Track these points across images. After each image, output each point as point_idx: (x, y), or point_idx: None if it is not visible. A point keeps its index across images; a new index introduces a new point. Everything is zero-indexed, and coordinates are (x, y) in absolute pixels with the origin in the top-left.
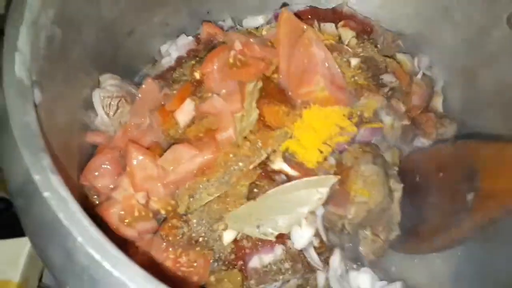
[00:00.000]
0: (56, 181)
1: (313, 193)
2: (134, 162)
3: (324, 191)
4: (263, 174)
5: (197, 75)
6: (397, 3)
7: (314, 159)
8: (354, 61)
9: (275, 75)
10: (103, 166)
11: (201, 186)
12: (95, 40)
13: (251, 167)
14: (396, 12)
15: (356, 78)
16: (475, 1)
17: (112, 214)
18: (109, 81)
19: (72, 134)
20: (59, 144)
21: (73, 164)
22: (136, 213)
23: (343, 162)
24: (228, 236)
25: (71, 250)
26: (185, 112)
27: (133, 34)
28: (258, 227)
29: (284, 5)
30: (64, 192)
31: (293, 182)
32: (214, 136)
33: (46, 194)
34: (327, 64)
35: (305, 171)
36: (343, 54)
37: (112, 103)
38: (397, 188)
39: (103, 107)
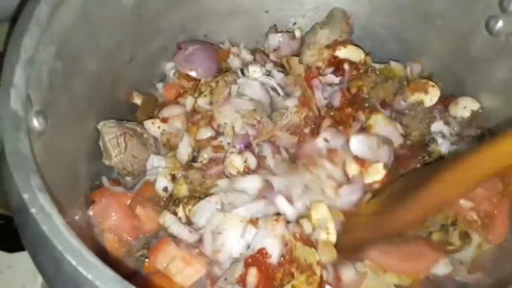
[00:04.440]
0: (42, 198)
1: None
2: None
3: None
4: None
5: None
6: (381, 14)
7: None
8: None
9: None
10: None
11: None
12: (96, 70)
13: None
14: (380, 22)
15: None
16: (455, 7)
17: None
18: (106, 127)
19: (79, 160)
20: (66, 169)
21: (81, 188)
22: None
23: None
24: None
25: (57, 260)
26: None
27: (134, 61)
28: None
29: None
30: (49, 208)
31: None
32: None
33: (32, 210)
34: None
35: None
36: None
37: (119, 141)
38: None
39: (113, 148)
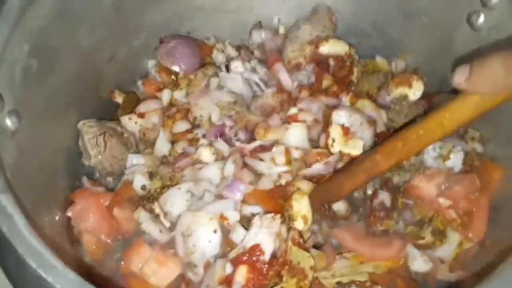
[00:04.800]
0: (4, 199)
1: None
2: None
3: None
4: None
5: None
6: (366, 10)
7: None
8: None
9: None
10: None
11: None
12: (75, 68)
13: None
14: (365, 19)
15: None
16: (438, 2)
17: None
18: (86, 127)
19: (57, 160)
20: (43, 169)
21: (60, 189)
22: None
23: None
24: None
25: (19, 262)
26: None
27: (115, 58)
28: None
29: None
30: (11, 209)
31: None
32: None
33: None
34: None
35: None
36: None
37: (98, 141)
38: None
39: (92, 148)
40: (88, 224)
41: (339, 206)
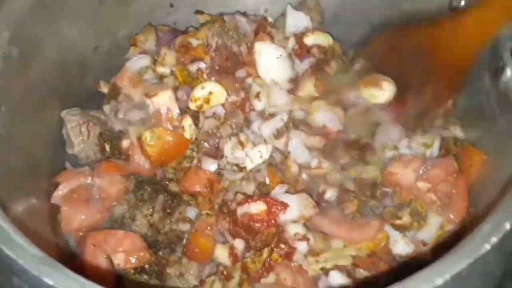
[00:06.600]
0: None
1: None
2: None
3: None
4: None
5: None
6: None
7: None
8: None
9: None
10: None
11: None
12: (58, 57)
13: None
14: (351, 8)
15: None
16: None
17: None
18: (69, 115)
19: (40, 148)
20: (25, 156)
21: (43, 175)
22: None
23: None
24: None
25: None
26: None
27: (99, 49)
28: None
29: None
30: None
31: None
32: None
33: None
34: None
35: None
36: None
37: (82, 129)
38: None
39: (75, 136)
40: (82, 224)
41: (331, 193)
